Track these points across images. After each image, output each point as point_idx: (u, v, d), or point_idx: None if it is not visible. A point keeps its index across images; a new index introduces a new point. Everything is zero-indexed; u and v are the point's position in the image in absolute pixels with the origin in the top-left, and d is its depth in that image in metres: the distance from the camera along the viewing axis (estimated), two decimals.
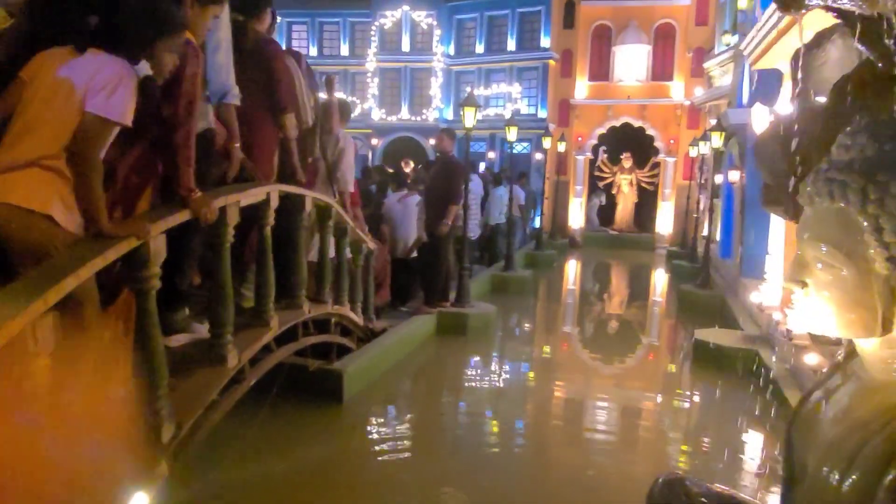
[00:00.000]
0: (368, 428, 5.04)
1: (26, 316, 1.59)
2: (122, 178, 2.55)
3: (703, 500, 2.08)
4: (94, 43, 2.24)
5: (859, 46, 2.49)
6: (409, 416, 5.52)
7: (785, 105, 6.25)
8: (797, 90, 3.29)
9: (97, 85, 2.12)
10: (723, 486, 2.33)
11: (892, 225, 1.11)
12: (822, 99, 3.37)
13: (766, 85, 7.15)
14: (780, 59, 6.45)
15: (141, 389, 2.29)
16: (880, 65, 2.55)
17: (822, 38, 3.68)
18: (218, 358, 2.87)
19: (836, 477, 1.16)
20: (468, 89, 18.98)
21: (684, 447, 5.07)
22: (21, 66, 2.21)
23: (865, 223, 1.13)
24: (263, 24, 3.91)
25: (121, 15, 2.27)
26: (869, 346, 1.23)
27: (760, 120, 7.02)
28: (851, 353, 1.42)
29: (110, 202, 2.38)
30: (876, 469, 1.10)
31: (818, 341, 4.93)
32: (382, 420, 5.28)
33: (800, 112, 3.07)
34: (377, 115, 20.29)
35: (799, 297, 1.28)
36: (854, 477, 1.13)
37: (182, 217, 2.53)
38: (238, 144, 3.34)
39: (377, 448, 4.63)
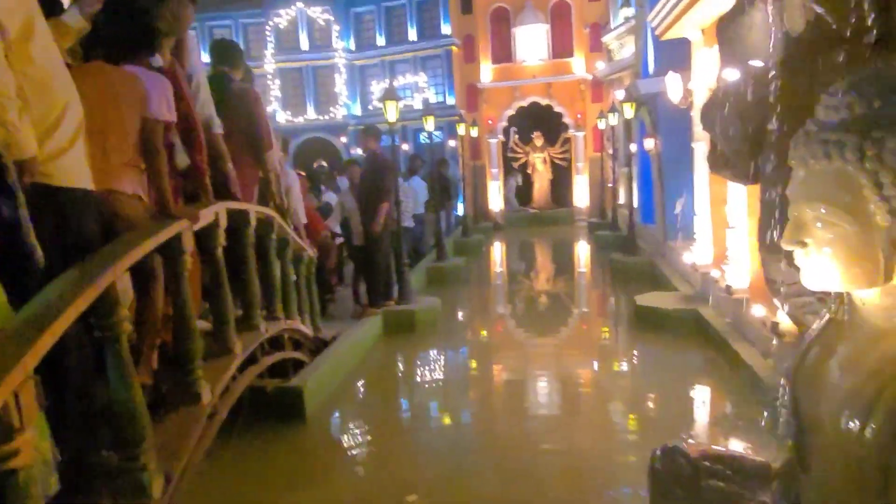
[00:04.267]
0: (335, 442, 4.90)
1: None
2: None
3: (704, 462, 2.11)
4: (115, 54, 2.77)
5: (817, 8, 2.54)
6: (372, 422, 5.38)
7: (701, 72, 6.49)
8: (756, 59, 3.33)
9: (149, 95, 2.68)
10: (718, 447, 2.38)
11: (892, 178, 1.14)
12: (757, 63, 3.46)
13: (678, 54, 7.41)
14: (688, 29, 6.69)
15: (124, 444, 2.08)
16: (834, 25, 2.61)
17: (745, 5, 3.78)
18: (192, 396, 2.66)
19: (857, 425, 1.19)
20: (375, 83, 18.95)
21: (642, 410, 5.21)
22: None
23: (865, 179, 1.16)
24: (239, 74, 4.57)
25: (130, 27, 2.86)
26: (869, 297, 1.28)
27: (674, 88, 7.27)
28: (840, 305, 1.46)
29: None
30: None
31: (769, 293, 5.16)
32: (347, 432, 5.15)
33: (752, 78, 3.13)
34: (282, 117, 19.68)
35: (800, 257, 1.31)
36: (875, 424, 1.16)
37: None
38: (230, 164, 3.81)
39: (347, 462, 4.52)
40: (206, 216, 3.07)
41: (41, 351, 1.53)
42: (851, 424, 1.20)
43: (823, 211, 1.20)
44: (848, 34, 2.53)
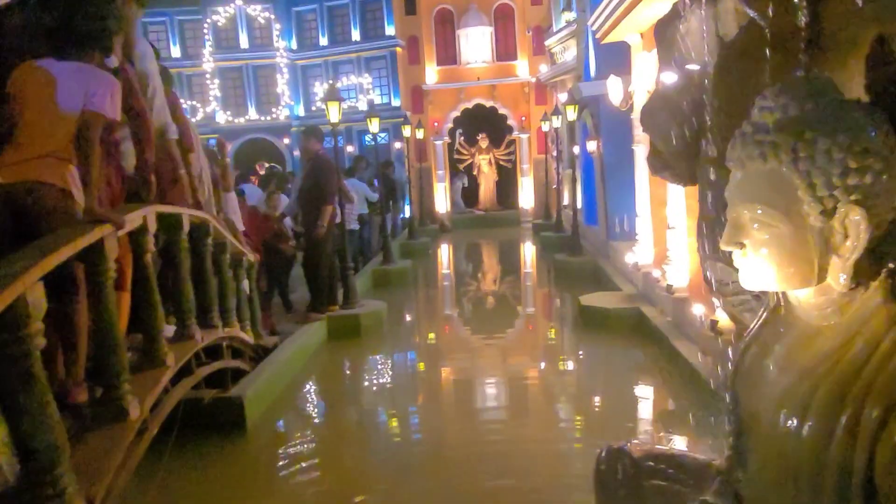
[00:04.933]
0: (277, 453, 4.73)
1: None
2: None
3: (648, 463, 2.12)
4: (65, 51, 2.76)
5: (749, 11, 2.58)
6: (316, 430, 5.28)
7: (641, 76, 6.60)
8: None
9: (93, 90, 2.69)
10: (662, 447, 2.38)
11: (824, 180, 1.17)
12: (693, 66, 3.52)
13: (619, 57, 7.52)
14: (627, 32, 6.80)
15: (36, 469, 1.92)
16: (767, 29, 2.66)
17: (681, 9, 3.85)
18: (118, 412, 2.49)
19: (795, 423, 1.23)
20: (318, 84, 18.65)
21: (587, 407, 5.26)
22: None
23: (798, 180, 1.18)
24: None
25: (84, 25, 2.81)
26: (804, 296, 1.32)
27: (615, 90, 7.37)
28: (777, 305, 1.48)
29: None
30: (831, 412, 1.17)
31: (707, 292, 5.28)
32: (291, 441, 4.99)
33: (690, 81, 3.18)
34: (222, 118, 19.13)
35: (738, 258, 1.34)
36: (811, 422, 1.20)
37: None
38: (183, 171, 3.87)
39: (291, 473, 4.37)
40: (134, 220, 2.90)
41: None
42: (789, 422, 1.24)
43: (759, 212, 1.22)
44: (780, 37, 2.59)
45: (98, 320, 2.54)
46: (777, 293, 1.41)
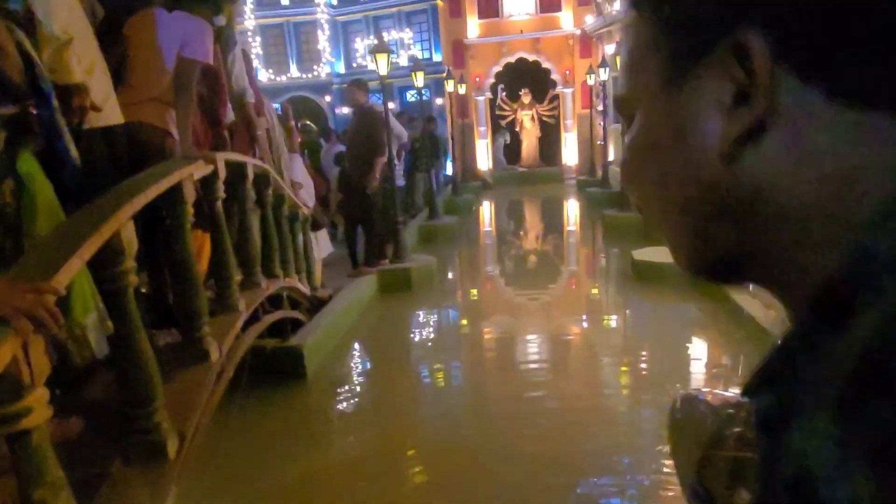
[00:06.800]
0: (336, 401, 4.83)
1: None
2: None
3: (729, 410, 2.05)
4: (179, 5, 2.96)
5: None
6: (371, 381, 5.37)
7: None
8: None
9: (189, 37, 2.88)
10: (737, 395, 2.31)
11: None
12: None
13: None
14: None
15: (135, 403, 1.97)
16: None
17: None
18: (200, 354, 2.54)
19: None
20: (359, 40, 18.44)
21: (652, 362, 5.19)
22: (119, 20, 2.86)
23: None
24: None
25: None
26: None
27: None
28: None
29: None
30: None
31: None
32: (347, 390, 5.08)
33: None
34: (264, 75, 19.09)
35: None
36: None
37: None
38: (260, 132, 4.11)
39: (348, 419, 4.51)
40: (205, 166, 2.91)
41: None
42: None
43: None
44: None
45: (177, 262, 2.57)
46: None
